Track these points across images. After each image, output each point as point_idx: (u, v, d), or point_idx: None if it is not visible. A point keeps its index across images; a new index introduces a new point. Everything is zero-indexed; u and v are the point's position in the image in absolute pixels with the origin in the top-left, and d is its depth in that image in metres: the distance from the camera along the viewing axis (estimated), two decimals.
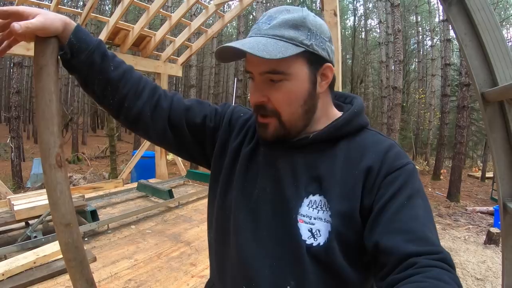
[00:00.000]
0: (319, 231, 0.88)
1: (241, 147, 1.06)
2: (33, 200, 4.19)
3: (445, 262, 0.73)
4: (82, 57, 0.93)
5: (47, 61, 0.89)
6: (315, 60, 0.90)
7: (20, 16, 0.86)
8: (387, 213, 0.82)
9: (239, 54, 0.90)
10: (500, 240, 6.24)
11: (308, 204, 0.90)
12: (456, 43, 19.77)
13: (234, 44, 0.83)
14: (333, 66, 0.95)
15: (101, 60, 0.96)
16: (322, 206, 0.89)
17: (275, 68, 0.87)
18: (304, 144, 0.95)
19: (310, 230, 0.89)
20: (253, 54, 0.81)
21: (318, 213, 0.89)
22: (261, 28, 0.88)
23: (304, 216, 0.90)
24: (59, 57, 0.93)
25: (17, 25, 0.82)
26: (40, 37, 0.88)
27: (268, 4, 20.43)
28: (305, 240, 0.89)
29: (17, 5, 4.78)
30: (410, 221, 0.79)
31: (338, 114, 1.01)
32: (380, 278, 0.78)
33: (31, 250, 3.48)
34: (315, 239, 0.88)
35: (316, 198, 0.90)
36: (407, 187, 0.84)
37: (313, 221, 0.89)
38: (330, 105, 1.01)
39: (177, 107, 1.08)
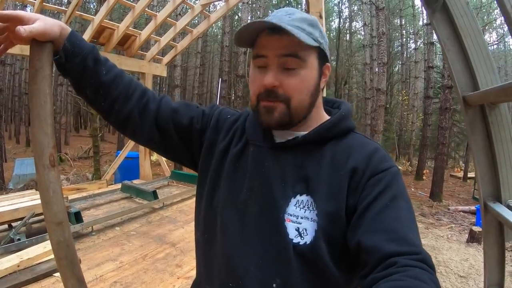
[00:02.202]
0: (305, 230, 0.90)
1: (229, 147, 1.07)
2: (16, 202, 4.14)
3: (425, 262, 0.74)
4: (75, 61, 0.97)
5: (43, 64, 0.92)
6: (323, 58, 0.97)
7: (20, 20, 0.89)
8: (370, 213, 0.83)
9: (253, 39, 0.95)
10: (482, 238, 6.37)
11: (296, 204, 0.92)
12: (439, 47, 20.08)
13: (270, 18, 0.90)
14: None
15: (93, 64, 1.00)
16: (309, 205, 0.91)
17: (296, 52, 0.90)
18: (293, 145, 0.97)
19: (297, 229, 0.91)
20: (290, 32, 0.84)
21: (305, 212, 0.91)
22: (282, 19, 0.90)
23: (291, 215, 0.92)
24: (53, 61, 0.96)
25: (22, 29, 0.86)
26: (37, 41, 0.91)
27: (253, 5, 20.46)
28: (292, 239, 0.90)
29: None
30: (392, 221, 0.81)
31: (326, 117, 1.04)
32: (362, 277, 0.80)
33: (14, 253, 3.44)
34: (302, 238, 0.90)
35: (303, 198, 0.92)
36: (390, 189, 0.87)
37: (300, 220, 0.91)
38: (321, 107, 1.05)
39: (165, 109, 1.11)
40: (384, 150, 0.98)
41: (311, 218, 0.90)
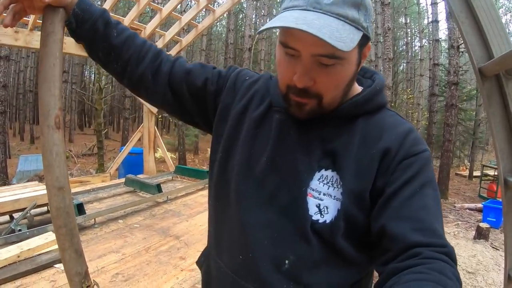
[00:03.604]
0: (327, 208, 0.86)
1: (245, 111, 1.01)
2: (18, 193, 4.10)
3: (449, 256, 0.72)
4: (86, 26, 0.99)
5: (55, 28, 0.94)
6: (365, 42, 0.83)
7: None
8: (398, 198, 0.79)
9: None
10: (490, 234, 6.32)
11: (319, 179, 0.87)
12: (445, 44, 20.06)
13: (298, 26, 0.70)
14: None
15: (104, 27, 1.01)
16: (333, 182, 0.86)
17: (334, 53, 0.75)
18: (321, 118, 0.90)
19: (318, 206, 0.86)
20: (328, 42, 0.69)
21: (328, 189, 0.86)
22: (320, 2, 0.74)
23: (313, 190, 0.87)
24: (65, 27, 0.99)
25: None
26: (50, 7, 0.93)
27: (258, 3, 20.43)
28: (311, 215, 0.86)
29: None
30: (420, 210, 0.78)
31: (358, 89, 0.95)
32: (382, 263, 0.77)
33: (15, 243, 3.39)
34: (322, 216, 0.86)
35: (328, 173, 0.87)
36: (421, 175, 0.82)
37: (322, 197, 0.86)
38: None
39: (178, 71, 1.08)
40: (417, 131, 0.91)
41: (335, 196, 0.85)
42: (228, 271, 0.97)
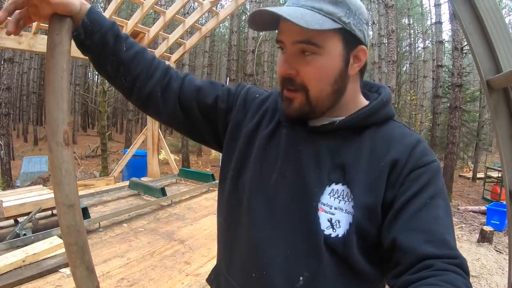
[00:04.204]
0: (338, 222, 0.85)
1: (257, 128, 1.01)
2: (23, 197, 4.11)
3: (461, 268, 0.72)
4: (95, 38, 0.95)
5: (62, 39, 0.90)
6: (351, 40, 0.86)
7: None
8: (408, 211, 0.79)
9: (273, 22, 0.86)
10: (493, 237, 6.29)
11: (330, 193, 0.87)
12: (448, 45, 19.99)
13: (271, 9, 0.79)
14: (367, 50, 0.90)
15: (114, 41, 0.98)
16: (344, 196, 0.86)
17: (310, 38, 0.81)
18: (329, 130, 0.90)
19: (330, 220, 0.85)
20: (290, 20, 0.76)
21: (339, 203, 0.86)
22: (300, 0, 0.84)
23: (324, 205, 0.86)
24: (72, 38, 0.94)
25: None
26: (56, 16, 0.89)
27: (261, 5, 20.42)
28: (324, 230, 0.85)
29: None
30: (431, 221, 0.77)
31: (365, 102, 0.96)
32: (394, 276, 0.77)
33: (20, 248, 3.40)
34: (334, 230, 0.85)
35: (339, 187, 0.86)
36: (430, 186, 0.82)
37: (334, 211, 0.85)
38: (358, 91, 0.96)
39: (188, 88, 1.07)
40: (425, 142, 0.91)
41: (346, 210, 0.85)
42: None
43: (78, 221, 0.91)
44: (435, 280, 0.67)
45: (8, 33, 0.89)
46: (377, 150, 0.87)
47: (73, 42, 0.95)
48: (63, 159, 0.89)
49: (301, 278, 0.86)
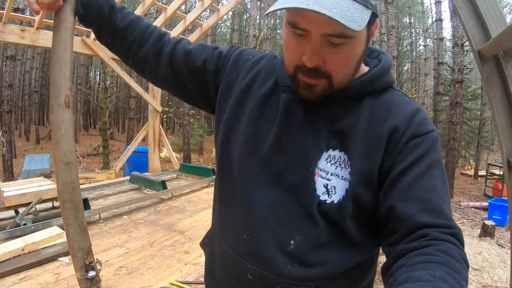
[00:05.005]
0: (334, 188, 0.85)
1: (249, 89, 1.00)
2: (23, 187, 4.12)
3: (457, 237, 0.72)
4: (93, 12, 1.05)
5: (66, 16, 1.01)
6: (373, 20, 0.81)
7: None
8: (406, 179, 0.79)
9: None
10: (495, 231, 6.27)
11: (327, 159, 0.86)
12: (448, 43, 19.99)
13: (310, 6, 0.68)
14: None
15: (109, 12, 1.07)
16: (341, 162, 0.86)
17: (343, 31, 0.74)
18: (328, 97, 0.88)
19: (326, 186, 0.85)
20: (342, 23, 0.68)
21: (336, 169, 0.85)
22: None
23: (321, 170, 0.86)
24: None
25: None
26: None
27: (261, 4, 20.44)
28: (319, 196, 0.85)
29: None
30: (428, 191, 0.78)
31: (365, 69, 0.94)
32: (390, 244, 0.77)
33: (20, 237, 3.41)
34: (329, 196, 0.85)
35: (336, 153, 0.86)
36: (428, 156, 0.82)
37: (330, 177, 0.85)
38: None
39: (179, 52, 1.09)
40: (425, 111, 0.90)
41: (342, 177, 0.85)
42: (231, 251, 0.97)
43: (73, 178, 0.97)
44: (430, 250, 0.67)
45: (35, 11, 0.97)
46: (376, 117, 0.86)
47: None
48: (63, 119, 0.96)
49: (292, 242, 0.86)
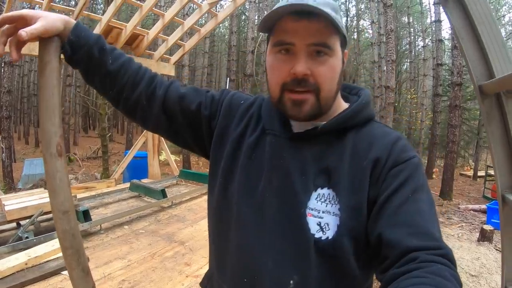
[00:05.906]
0: (327, 224, 0.87)
1: (243, 136, 1.03)
2: (25, 200, 4.14)
3: (446, 258, 0.72)
4: (81, 52, 0.99)
5: (51, 58, 0.96)
6: (343, 45, 0.91)
7: (24, 20, 0.91)
8: (391, 206, 0.81)
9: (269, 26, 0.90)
10: (494, 236, 6.29)
11: (317, 198, 0.89)
12: (448, 43, 19.97)
13: (304, 1, 0.81)
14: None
15: (99, 54, 1.01)
16: (330, 199, 0.88)
17: (326, 41, 0.85)
18: (312, 136, 0.93)
19: (319, 224, 0.87)
20: (325, 13, 0.79)
21: (326, 206, 0.88)
22: (307, 1, 0.82)
23: (312, 209, 0.88)
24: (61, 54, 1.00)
25: (23, 33, 0.87)
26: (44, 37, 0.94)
27: (260, 5, 20.42)
28: (314, 234, 0.87)
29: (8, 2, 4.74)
30: (414, 215, 0.79)
31: (345, 105, 0.99)
32: (382, 271, 0.78)
33: (22, 251, 3.43)
34: (324, 233, 0.87)
35: (325, 191, 0.89)
36: (411, 181, 0.84)
37: (322, 215, 0.88)
38: (339, 95, 0.99)
39: (172, 95, 1.09)
40: (405, 139, 0.94)
41: (333, 213, 0.87)
42: None
43: (72, 226, 0.97)
44: (421, 273, 0.68)
45: (15, 60, 0.95)
46: (359, 150, 0.90)
47: None
48: (57, 169, 0.94)
49: (291, 281, 0.88)
